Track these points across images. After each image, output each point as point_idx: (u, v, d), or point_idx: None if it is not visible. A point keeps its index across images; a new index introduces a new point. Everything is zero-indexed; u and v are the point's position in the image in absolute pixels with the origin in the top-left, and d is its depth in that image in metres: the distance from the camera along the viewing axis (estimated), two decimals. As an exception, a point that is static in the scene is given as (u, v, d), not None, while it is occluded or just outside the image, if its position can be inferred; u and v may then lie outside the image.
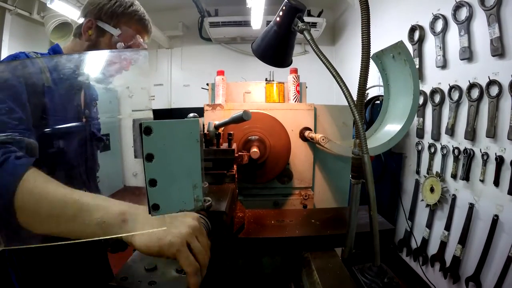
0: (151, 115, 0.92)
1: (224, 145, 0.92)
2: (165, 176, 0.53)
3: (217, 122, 0.93)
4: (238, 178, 0.94)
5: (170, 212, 0.53)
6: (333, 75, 0.72)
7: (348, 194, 1.40)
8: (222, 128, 0.95)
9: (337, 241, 0.81)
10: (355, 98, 0.72)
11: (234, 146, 0.92)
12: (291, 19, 0.85)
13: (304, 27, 0.82)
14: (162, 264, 0.71)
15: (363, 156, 0.69)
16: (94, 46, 0.98)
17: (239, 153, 1.04)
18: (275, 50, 0.96)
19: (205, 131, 0.90)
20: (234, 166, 0.90)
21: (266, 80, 1.68)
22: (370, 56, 1.13)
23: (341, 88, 0.70)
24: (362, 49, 0.71)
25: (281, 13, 0.88)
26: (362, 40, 0.70)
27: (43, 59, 0.86)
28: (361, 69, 0.72)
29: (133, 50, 0.98)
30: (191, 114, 0.84)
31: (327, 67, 0.73)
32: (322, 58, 0.74)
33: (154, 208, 0.52)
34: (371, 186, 0.69)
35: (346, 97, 0.69)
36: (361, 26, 0.69)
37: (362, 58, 0.71)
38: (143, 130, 0.51)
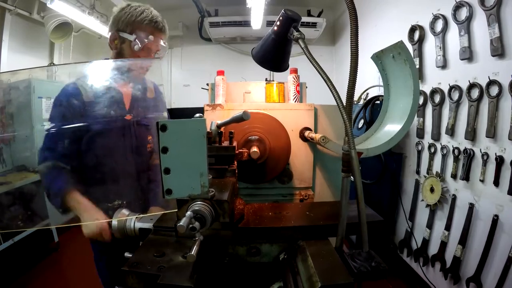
0: (166, 114, 1.16)
1: (226, 143, 0.97)
2: (177, 165, 0.64)
3: (219, 122, 0.98)
4: (238, 178, 0.98)
5: (181, 196, 0.67)
6: (324, 79, 0.78)
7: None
8: (223, 127, 0.99)
9: (330, 230, 0.87)
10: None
11: (234, 143, 0.97)
12: (287, 28, 0.93)
13: (298, 36, 0.89)
14: (170, 251, 0.79)
15: (351, 151, 0.76)
16: (120, 52, 1.25)
17: (239, 150, 1.09)
18: (273, 56, 1.05)
19: (208, 130, 0.95)
20: (235, 162, 0.95)
21: (266, 80, 1.68)
22: (370, 56, 1.15)
23: (330, 90, 0.77)
24: (351, 56, 0.76)
25: (278, 23, 0.95)
26: (350, 48, 0.75)
27: (82, 84, 1.14)
28: (350, 74, 0.77)
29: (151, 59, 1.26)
30: (197, 114, 0.92)
31: (318, 72, 0.79)
32: (315, 64, 0.80)
33: (167, 193, 0.65)
34: (358, 179, 0.77)
35: (335, 99, 0.76)
36: (350, 35, 0.75)
37: (350, 64, 0.76)
38: (159, 127, 0.62)
